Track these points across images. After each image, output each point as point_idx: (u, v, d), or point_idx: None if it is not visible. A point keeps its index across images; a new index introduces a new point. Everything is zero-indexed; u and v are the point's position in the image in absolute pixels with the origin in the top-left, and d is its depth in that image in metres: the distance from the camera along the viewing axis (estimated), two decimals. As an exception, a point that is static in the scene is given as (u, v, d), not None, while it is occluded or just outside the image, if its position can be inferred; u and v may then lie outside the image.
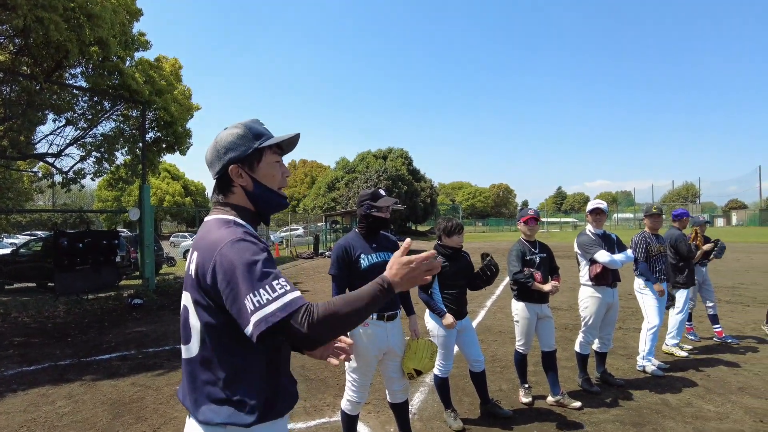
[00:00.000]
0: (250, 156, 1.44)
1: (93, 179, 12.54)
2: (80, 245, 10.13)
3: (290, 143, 1.53)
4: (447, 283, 3.78)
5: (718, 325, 6.26)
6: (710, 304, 6.25)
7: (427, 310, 3.86)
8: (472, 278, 3.91)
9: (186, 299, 1.41)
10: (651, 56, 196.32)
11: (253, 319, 1.17)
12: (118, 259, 11.48)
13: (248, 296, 1.19)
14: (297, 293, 1.22)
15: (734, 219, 63.34)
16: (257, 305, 1.18)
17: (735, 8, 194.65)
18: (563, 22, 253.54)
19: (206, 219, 1.47)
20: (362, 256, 3.07)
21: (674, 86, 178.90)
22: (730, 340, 6.15)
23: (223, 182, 1.47)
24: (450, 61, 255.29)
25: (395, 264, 1.32)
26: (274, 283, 1.21)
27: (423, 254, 1.33)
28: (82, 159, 11.93)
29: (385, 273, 1.33)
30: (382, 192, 3.19)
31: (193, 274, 1.35)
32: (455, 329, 3.77)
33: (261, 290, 1.19)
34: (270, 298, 1.18)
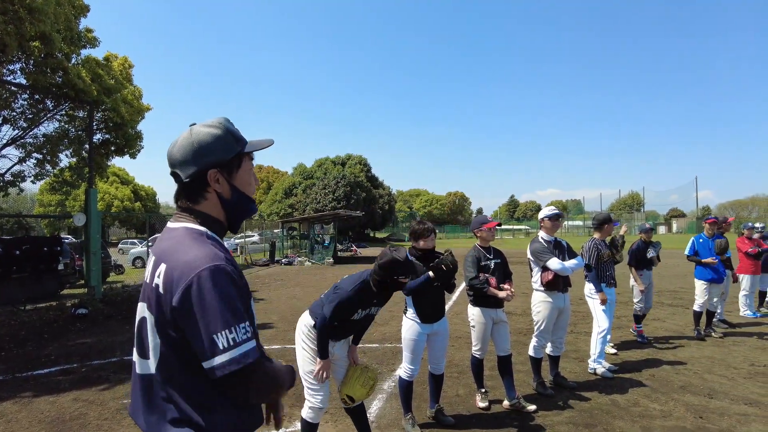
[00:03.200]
0: (231, 161, 1.35)
1: (34, 182, 11.77)
2: (17, 252, 9.51)
3: (260, 150, 1.46)
4: None
5: (640, 325, 6.71)
6: (641, 305, 6.69)
7: (405, 315, 3.88)
8: (444, 289, 3.92)
9: (144, 312, 1.28)
10: (598, 73, 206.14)
11: (227, 356, 1.14)
12: (60, 266, 10.84)
13: (224, 331, 1.14)
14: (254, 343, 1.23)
15: (675, 227, 67.15)
16: (232, 343, 1.15)
17: (673, 29, 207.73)
18: (516, 35, 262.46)
19: (172, 226, 1.34)
20: (359, 310, 3.06)
21: (621, 100, 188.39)
22: (640, 339, 6.58)
23: (196, 187, 1.34)
24: (407, 70, 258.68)
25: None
26: (246, 324, 1.20)
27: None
28: (22, 161, 11.19)
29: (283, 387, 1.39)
30: (411, 260, 3.09)
31: (161, 288, 1.21)
32: (425, 333, 3.79)
33: (236, 328, 1.16)
34: (245, 338, 1.17)
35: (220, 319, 1.15)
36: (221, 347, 1.14)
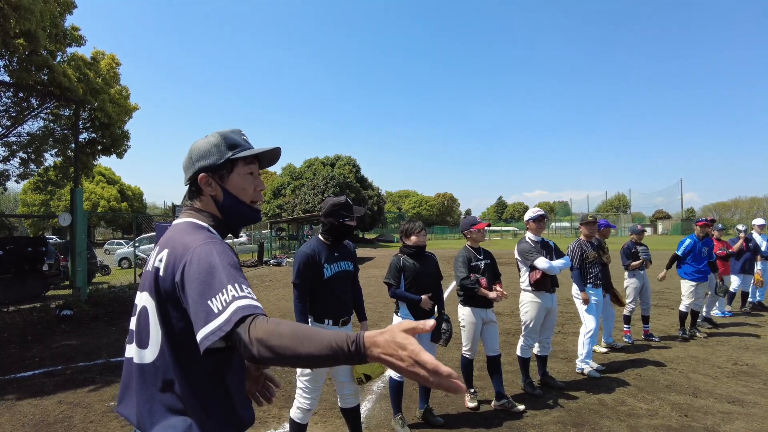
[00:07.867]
0: (221, 166, 1.41)
1: (17, 182, 11.61)
2: (0, 252, 9.35)
3: (269, 157, 1.48)
4: (414, 282, 3.80)
5: (647, 325, 6.84)
6: (645, 306, 6.82)
7: (396, 314, 3.88)
8: (438, 280, 4.01)
9: (145, 300, 1.31)
10: (585, 77, 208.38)
11: (217, 321, 1.06)
12: (45, 267, 10.68)
13: (216, 296, 1.10)
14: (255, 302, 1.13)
15: (660, 228, 68.05)
16: (225, 304, 1.08)
17: (659, 34, 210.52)
18: (505, 37, 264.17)
19: (177, 221, 1.43)
20: (326, 265, 3.10)
21: (607, 103, 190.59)
22: (655, 339, 6.71)
23: (194, 190, 1.45)
24: (397, 73, 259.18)
25: (391, 335, 0.95)
26: (241, 285, 1.13)
27: (430, 362, 0.92)
28: (5, 159, 11.03)
29: (367, 337, 0.97)
30: (350, 201, 3.25)
31: (161, 272, 1.25)
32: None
33: (227, 289, 1.10)
34: (236, 297, 1.09)
35: (215, 286, 1.11)
36: (217, 309, 1.07)
